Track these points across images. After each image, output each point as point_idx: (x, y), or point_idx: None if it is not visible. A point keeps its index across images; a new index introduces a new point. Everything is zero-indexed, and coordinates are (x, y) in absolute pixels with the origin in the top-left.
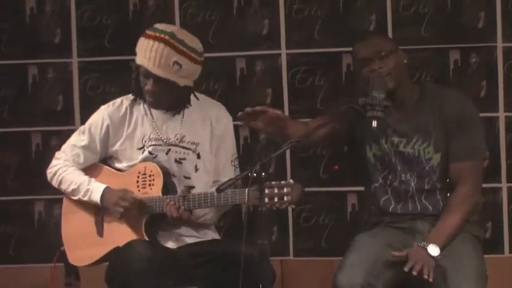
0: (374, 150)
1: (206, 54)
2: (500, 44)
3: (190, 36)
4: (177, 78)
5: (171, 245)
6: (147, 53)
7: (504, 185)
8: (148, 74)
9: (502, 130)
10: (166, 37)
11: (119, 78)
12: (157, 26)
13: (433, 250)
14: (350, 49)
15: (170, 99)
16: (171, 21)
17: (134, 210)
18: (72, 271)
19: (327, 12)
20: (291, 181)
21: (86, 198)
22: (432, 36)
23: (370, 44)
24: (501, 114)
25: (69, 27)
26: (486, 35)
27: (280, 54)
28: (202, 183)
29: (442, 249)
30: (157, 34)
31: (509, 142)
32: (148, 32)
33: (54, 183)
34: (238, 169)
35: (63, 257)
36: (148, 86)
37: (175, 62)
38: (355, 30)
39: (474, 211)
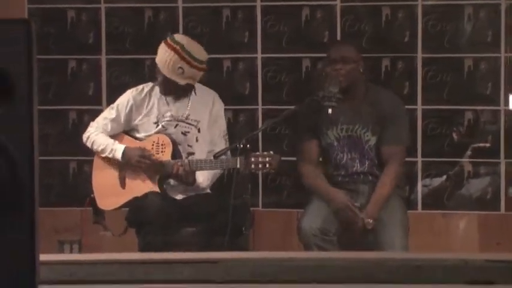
0: (327, 139)
1: None
2: (420, 55)
3: (198, 48)
4: (179, 79)
5: (177, 196)
6: (162, 57)
7: (419, 159)
8: (160, 72)
9: (419, 119)
10: (178, 47)
11: (136, 71)
12: (176, 36)
13: (368, 223)
14: (309, 55)
15: (175, 90)
16: (176, 31)
17: (151, 169)
18: (100, 213)
19: (292, 28)
20: (271, 152)
21: (110, 155)
22: (370, 47)
23: (340, 50)
24: (419, 107)
25: (100, 33)
26: (409, 47)
27: (256, 57)
28: (200, 151)
29: (376, 217)
30: (172, 44)
31: (424, 128)
32: (168, 39)
33: (88, 144)
34: (228, 142)
35: (93, 203)
36: (159, 79)
37: (180, 67)
38: (313, 41)
39: (399, 182)
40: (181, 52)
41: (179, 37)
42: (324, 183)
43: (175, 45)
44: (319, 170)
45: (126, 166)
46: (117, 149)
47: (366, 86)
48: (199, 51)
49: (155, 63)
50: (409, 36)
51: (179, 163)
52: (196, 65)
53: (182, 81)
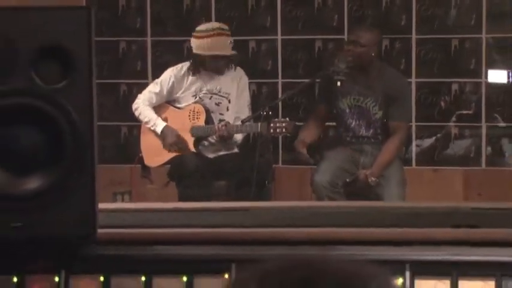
0: (340, 105)
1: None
2: (414, 36)
3: (222, 24)
4: (229, 51)
5: (210, 155)
6: (214, 45)
7: (413, 123)
8: (217, 57)
9: (414, 90)
10: (220, 31)
11: (176, 51)
12: (204, 27)
13: (372, 181)
14: (321, 37)
15: (221, 65)
16: (209, 16)
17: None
18: (147, 169)
19: (306, 13)
20: (287, 119)
21: (152, 128)
22: None
23: (355, 34)
24: (413, 80)
25: (146, 18)
26: (406, 30)
27: (277, 39)
28: (229, 117)
29: (379, 176)
30: (212, 32)
31: (417, 97)
32: (201, 34)
33: (136, 114)
34: (251, 111)
35: (140, 161)
36: (210, 64)
37: (230, 42)
38: (324, 25)
39: (401, 148)
40: (225, 32)
41: (208, 25)
42: (301, 138)
43: (216, 31)
44: (315, 128)
45: None
46: (158, 125)
47: (380, 66)
48: (225, 24)
49: (197, 54)
50: (405, 20)
51: (219, 126)
52: (229, 33)
53: (230, 52)
